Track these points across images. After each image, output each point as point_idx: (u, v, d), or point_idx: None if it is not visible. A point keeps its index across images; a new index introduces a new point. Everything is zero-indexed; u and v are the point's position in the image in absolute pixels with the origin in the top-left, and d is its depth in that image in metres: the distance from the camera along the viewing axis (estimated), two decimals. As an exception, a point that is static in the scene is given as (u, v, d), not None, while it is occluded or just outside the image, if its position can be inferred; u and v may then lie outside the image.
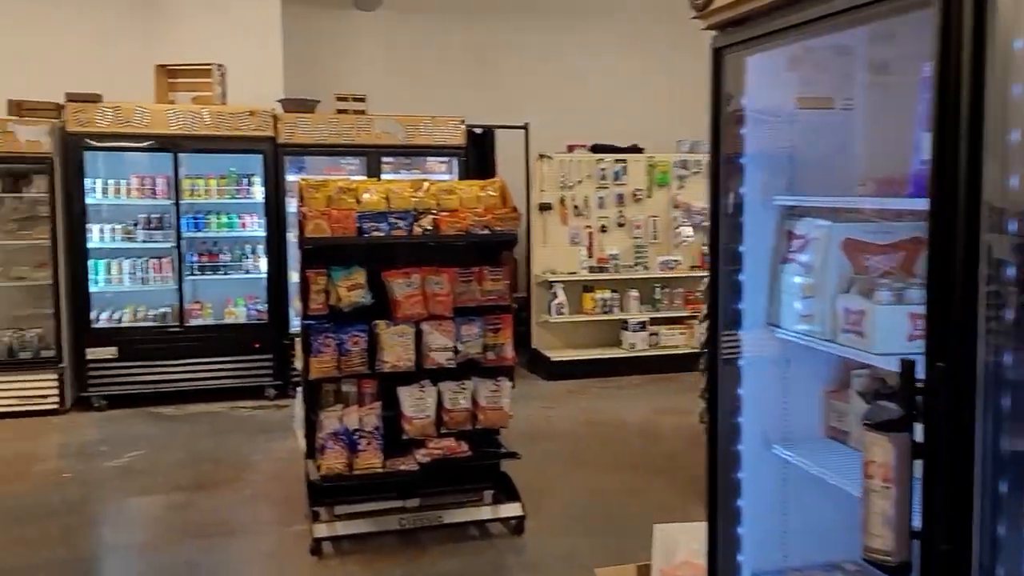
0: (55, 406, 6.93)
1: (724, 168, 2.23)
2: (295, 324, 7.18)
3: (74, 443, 6.39)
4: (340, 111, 7.60)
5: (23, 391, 6.88)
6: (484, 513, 4.64)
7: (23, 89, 7.05)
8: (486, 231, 4.51)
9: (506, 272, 4.63)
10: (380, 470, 4.32)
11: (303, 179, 4.63)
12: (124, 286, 7.30)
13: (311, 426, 4.43)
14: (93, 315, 7.17)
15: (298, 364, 4.72)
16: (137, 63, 7.39)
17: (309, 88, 7.93)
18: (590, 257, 8.49)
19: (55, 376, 6.96)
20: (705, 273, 7.86)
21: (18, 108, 6.95)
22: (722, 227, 2.26)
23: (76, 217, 7.04)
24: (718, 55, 2.18)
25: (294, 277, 7.21)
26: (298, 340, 4.71)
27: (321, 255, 4.36)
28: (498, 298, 4.59)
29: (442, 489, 4.61)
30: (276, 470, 5.59)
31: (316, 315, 4.34)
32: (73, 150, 6.98)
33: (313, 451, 4.41)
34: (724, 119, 2.21)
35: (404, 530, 4.43)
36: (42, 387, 6.91)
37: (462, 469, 4.56)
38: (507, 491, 4.64)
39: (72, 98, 6.97)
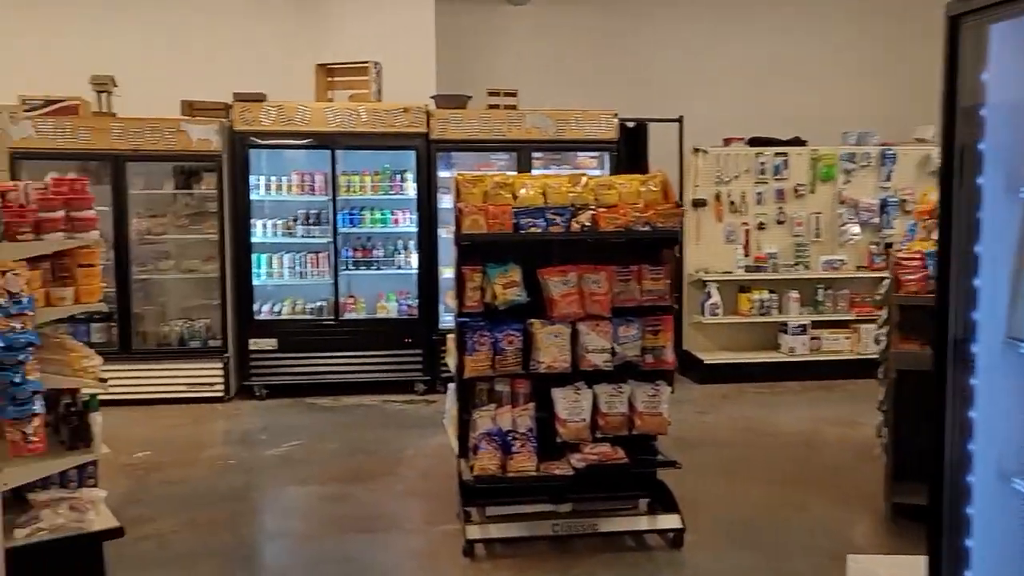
0: (220, 394, 7.25)
1: (959, 156, 1.92)
2: (445, 320, 7.23)
3: (237, 430, 6.66)
4: (491, 106, 7.55)
5: (192, 378, 7.23)
6: (640, 523, 4.44)
7: (195, 90, 7.39)
8: (647, 227, 4.31)
9: (666, 271, 4.41)
10: (534, 473, 4.20)
11: (460, 174, 4.56)
12: (284, 279, 7.55)
13: (463, 425, 4.37)
14: (255, 307, 7.45)
15: (450, 361, 4.68)
16: (298, 63, 7.63)
17: (461, 84, 7.94)
18: (747, 256, 8.11)
19: (220, 365, 7.27)
20: (878, 274, 7.29)
21: (190, 108, 7.30)
22: (955, 225, 1.95)
23: (241, 212, 7.33)
24: (954, 24, 1.88)
25: (444, 273, 7.24)
26: (450, 336, 4.66)
27: (477, 251, 4.29)
28: (658, 298, 4.39)
29: (595, 495, 4.44)
30: (427, 466, 5.59)
31: (471, 312, 4.28)
32: (239, 148, 7.27)
33: (466, 450, 4.35)
34: (960, 99, 1.90)
35: (557, 536, 4.30)
36: (209, 375, 7.25)
37: (617, 476, 4.38)
38: (664, 501, 4.42)
39: (239, 98, 7.26)
